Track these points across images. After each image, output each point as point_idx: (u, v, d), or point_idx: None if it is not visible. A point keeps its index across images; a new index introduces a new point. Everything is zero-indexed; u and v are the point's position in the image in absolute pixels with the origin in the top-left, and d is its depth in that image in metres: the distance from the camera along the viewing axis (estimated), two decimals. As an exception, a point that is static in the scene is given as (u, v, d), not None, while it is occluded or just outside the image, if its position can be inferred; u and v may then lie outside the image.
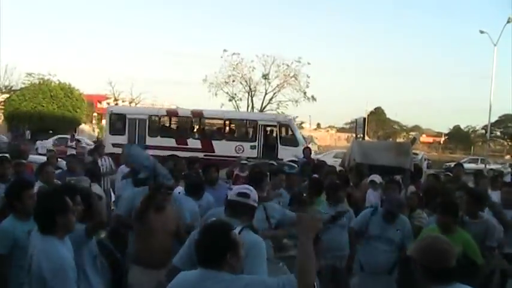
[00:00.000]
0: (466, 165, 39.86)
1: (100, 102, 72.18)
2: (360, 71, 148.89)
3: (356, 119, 24.22)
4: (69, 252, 4.51)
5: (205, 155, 26.05)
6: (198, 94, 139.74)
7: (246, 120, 32.68)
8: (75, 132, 48.59)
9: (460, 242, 6.17)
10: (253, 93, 58.56)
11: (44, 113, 50.11)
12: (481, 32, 43.23)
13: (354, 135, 24.76)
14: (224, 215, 4.76)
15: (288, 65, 57.01)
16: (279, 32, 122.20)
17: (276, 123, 30.18)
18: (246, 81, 57.96)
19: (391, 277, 7.55)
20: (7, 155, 9.83)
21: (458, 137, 78.79)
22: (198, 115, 32.07)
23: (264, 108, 56.85)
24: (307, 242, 3.46)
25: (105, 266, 5.76)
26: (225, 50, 56.84)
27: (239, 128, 33.01)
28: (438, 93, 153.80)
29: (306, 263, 3.42)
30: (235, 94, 58.07)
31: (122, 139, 29.77)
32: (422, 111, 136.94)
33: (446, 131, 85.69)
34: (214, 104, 64.45)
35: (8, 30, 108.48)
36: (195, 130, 32.28)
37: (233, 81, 57.65)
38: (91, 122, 66.54)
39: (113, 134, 31.05)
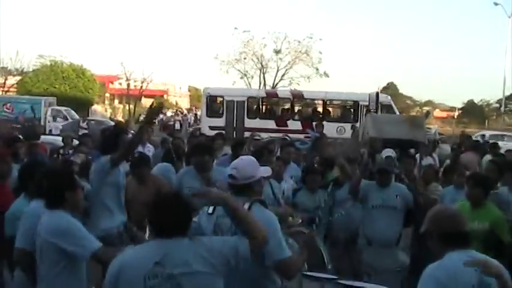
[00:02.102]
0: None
1: (112, 83, 72.18)
2: (373, 47, 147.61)
3: (369, 94, 23.94)
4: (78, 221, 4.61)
5: (305, 137, 25.35)
6: (209, 72, 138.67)
7: (347, 100, 31.76)
8: (88, 113, 49.03)
9: (488, 218, 6.10)
10: (265, 70, 58.36)
11: (56, 94, 50.04)
12: (495, 4, 42.80)
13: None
14: None
15: (299, 41, 56.74)
16: (290, 8, 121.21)
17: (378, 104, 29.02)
18: (257, 58, 57.73)
19: (399, 248, 7.53)
20: (20, 136, 9.85)
21: (472, 112, 78.23)
22: (298, 96, 31.84)
23: (276, 85, 56.66)
24: (234, 213, 3.65)
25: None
26: (235, 28, 56.61)
27: (340, 109, 32.45)
28: (452, 67, 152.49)
29: (246, 227, 3.60)
30: (247, 71, 57.96)
31: (220, 121, 29.77)
32: (435, 86, 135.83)
33: (460, 106, 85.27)
34: (226, 81, 64.17)
35: (16, 12, 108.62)
36: (295, 111, 31.84)
37: (244, 58, 57.45)
38: (103, 102, 66.52)
39: (210, 117, 30.82)
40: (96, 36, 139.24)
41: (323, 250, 6.37)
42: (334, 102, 32.46)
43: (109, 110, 62.90)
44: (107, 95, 69.90)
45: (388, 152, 10.22)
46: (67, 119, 37.84)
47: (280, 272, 4.15)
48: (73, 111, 41.06)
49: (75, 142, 12.96)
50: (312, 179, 8.38)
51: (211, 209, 4.36)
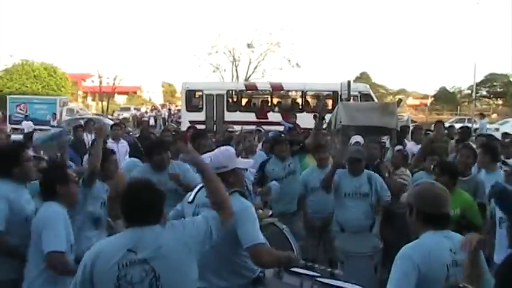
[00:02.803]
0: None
1: (84, 81, 71.71)
2: (344, 37, 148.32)
3: (341, 83, 24.04)
4: (66, 215, 4.75)
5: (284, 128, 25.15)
6: (182, 67, 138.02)
7: (326, 91, 31.21)
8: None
9: (459, 203, 6.17)
10: (237, 63, 58.38)
11: (28, 93, 49.63)
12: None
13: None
14: None
15: (270, 33, 56.81)
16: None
17: (356, 93, 28.16)
18: (229, 51, 57.73)
19: (372, 233, 7.63)
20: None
21: (445, 98, 78.61)
22: (277, 88, 31.63)
23: (249, 77, 56.70)
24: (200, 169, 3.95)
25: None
26: (206, 21, 56.49)
27: (319, 99, 31.50)
28: (424, 55, 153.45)
29: (214, 193, 3.84)
30: (219, 65, 57.92)
31: (200, 116, 29.57)
32: (408, 75, 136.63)
33: (433, 93, 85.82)
34: (198, 76, 64.14)
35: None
36: (275, 103, 31.70)
37: (216, 51, 57.41)
38: (76, 100, 66.08)
39: (189, 111, 30.62)
40: (66, 35, 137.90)
41: (293, 243, 6.44)
42: (313, 92, 32.32)
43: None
44: (80, 92, 69.49)
45: (357, 138, 10.32)
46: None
47: (253, 257, 4.20)
48: (87, 109, 40.92)
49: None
50: (280, 148, 8.65)
51: (191, 197, 4.52)
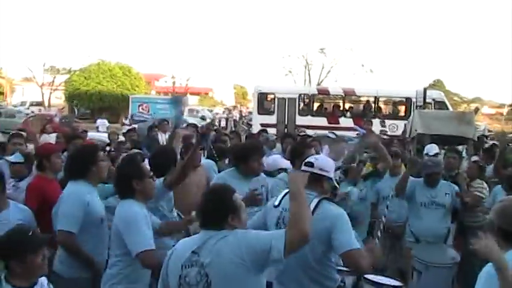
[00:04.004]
0: (531, 136, 38.69)
1: (157, 80, 72.91)
2: (418, 43, 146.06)
3: (416, 90, 23.60)
4: (146, 212, 4.75)
5: (357, 134, 24.96)
6: (254, 68, 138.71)
7: (399, 97, 31.04)
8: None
9: None
10: (310, 67, 58.32)
11: (103, 92, 50.77)
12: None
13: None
14: None
15: (344, 38, 56.65)
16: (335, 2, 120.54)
17: (430, 100, 27.44)
18: (302, 56, 57.75)
19: (448, 245, 7.46)
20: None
21: (523, 108, 76.75)
22: (349, 93, 31.36)
23: (322, 81, 56.58)
24: (298, 193, 3.62)
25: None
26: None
27: (392, 106, 31.86)
28: (500, 63, 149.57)
29: (300, 211, 3.52)
30: (292, 68, 58.05)
31: (271, 119, 29.71)
32: (483, 83, 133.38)
33: (509, 102, 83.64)
34: (271, 78, 64.42)
35: (65, 13, 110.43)
36: (347, 108, 31.45)
37: (289, 55, 57.54)
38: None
39: (261, 114, 30.66)
40: (140, 36, 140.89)
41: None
42: (386, 98, 31.82)
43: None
44: (153, 92, 70.66)
45: (435, 149, 10.09)
46: (204, 118, 38.44)
47: (348, 263, 4.17)
48: (207, 110, 41.75)
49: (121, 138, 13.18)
50: (353, 172, 8.48)
51: (277, 201, 4.54)
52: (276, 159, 7.22)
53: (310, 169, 4.50)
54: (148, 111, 40.13)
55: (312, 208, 4.15)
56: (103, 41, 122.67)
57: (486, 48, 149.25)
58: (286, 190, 4.54)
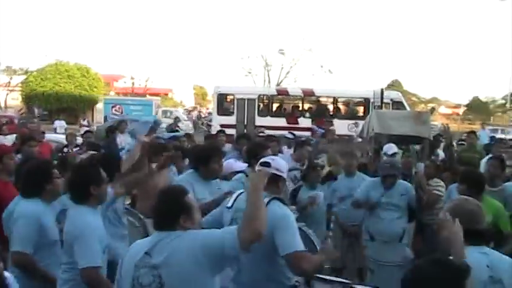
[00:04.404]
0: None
1: (117, 81, 72.34)
2: (377, 44, 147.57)
3: (374, 91, 23.87)
4: (99, 221, 4.66)
5: (316, 134, 24.87)
6: (214, 69, 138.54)
7: (358, 97, 31.41)
8: (93, 110, 49.39)
9: (489, 211, 6.04)
10: (269, 67, 58.51)
11: (61, 93, 50.15)
12: (502, -2, 42.80)
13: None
14: None
15: (303, 39, 56.99)
16: (292, 4, 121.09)
17: (388, 101, 28.01)
18: (261, 56, 57.90)
19: (402, 244, 7.56)
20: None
21: (478, 108, 78.05)
22: (308, 94, 31.50)
23: (281, 82, 56.80)
24: (256, 193, 3.60)
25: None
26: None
27: (351, 106, 32.08)
28: (457, 64, 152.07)
29: (254, 211, 3.52)
30: (251, 69, 58.17)
31: (231, 120, 29.68)
32: (440, 83, 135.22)
33: (465, 102, 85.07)
34: (230, 79, 64.43)
35: (20, 13, 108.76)
36: (306, 109, 31.62)
37: (248, 56, 57.64)
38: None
39: (221, 115, 30.68)
40: (99, 36, 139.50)
41: (319, 247, 6.41)
42: (345, 99, 32.07)
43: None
44: (112, 93, 70.07)
45: (391, 148, 10.22)
46: (178, 120, 38.10)
47: (291, 265, 4.16)
48: (180, 110, 41.43)
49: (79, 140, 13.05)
50: (314, 175, 8.45)
51: (230, 203, 4.54)
52: (229, 162, 7.22)
53: (266, 169, 4.49)
54: (122, 113, 39.81)
55: None
56: (60, 41, 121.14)
57: (444, 49, 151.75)
58: (239, 191, 4.64)
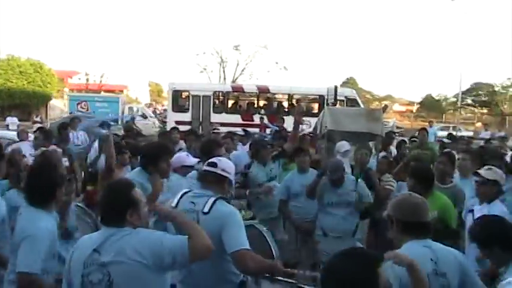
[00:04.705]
0: (438, 133, 40.07)
1: (71, 78, 71.33)
2: (332, 41, 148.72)
3: (328, 88, 24.06)
4: (54, 227, 4.54)
5: (270, 131, 24.75)
6: (170, 66, 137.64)
7: (313, 94, 31.60)
8: (47, 108, 48.60)
9: (437, 206, 6.16)
10: (224, 64, 58.47)
11: (13, 89, 49.31)
12: (452, -1, 43.53)
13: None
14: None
15: (259, 36, 57.15)
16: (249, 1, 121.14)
17: (343, 98, 28.40)
18: (217, 52, 57.82)
19: (355, 239, 7.66)
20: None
21: (430, 106, 79.14)
22: (264, 90, 31.59)
23: (236, 79, 56.84)
24: (186, 225, 3.65)
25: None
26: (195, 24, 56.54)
27: (306, 103, 31.88)
28: (410, 62, 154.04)
29: (196, 231, 3.56)
30: (207, 66, 58.06)
31: (186, 116, 29.58)
32: (394, 81, 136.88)
33: (419, 100, 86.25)
34: (185, 76, 64.20)
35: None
36: (261, 106, 31.64)
37: (204, 52, 57.52)
38: (62, 97, 65.73)
39: (176, 111, 30.55)
40: (53, 31, 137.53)
41: (272, 245, 6.46)
42: (300, 96, 32.20)
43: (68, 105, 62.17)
44: (66, 89, 69.09)
45: (345, 145, 10.33)
46: (145, 116, 37.49)
47: (237, 262, 4.19)
48: (147, 108, 41.05)
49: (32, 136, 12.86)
50: (262, 153, 8.74)
51: (174, 202, 4.51)
52: (180, 156, 7.16)
53: (213, 169, 4.58)
54: (88, 110, 39.30)
55: (207, 208, 4.26)
56: (12, 36, 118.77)
57: (398, 48, 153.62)
58: (184, 190, 4.65)
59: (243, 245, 4.14)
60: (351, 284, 2.53)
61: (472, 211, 5.92)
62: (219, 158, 4.89)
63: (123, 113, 37.45)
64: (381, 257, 2.75)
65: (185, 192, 4.59)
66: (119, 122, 29.55)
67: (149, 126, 34.06)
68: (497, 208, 5.67)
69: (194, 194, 4.53)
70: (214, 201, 4.31)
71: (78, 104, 40.79)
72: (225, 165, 4.67)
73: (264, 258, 4.45)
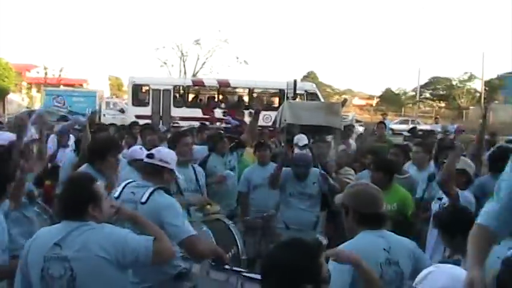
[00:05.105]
0: (397, 126, 40.66)
1: (29, 71, 70.21)
2: (293, 36, 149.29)
3: (287, 82, 24.19)
4: (3, 222, 4.39)
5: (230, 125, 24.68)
6: (130, 60, 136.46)
7: (273, 89, 31.63)
8: (4, 102, 47.71)
9: (397, 198, 6.34)
10: (185, 58, 58.24)
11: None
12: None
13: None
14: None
15: (219, 30, 57.01)
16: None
17: (303, 92, 28.52)
18: (177, 47, 57.55)
19: (316, 232, 7.74)
20: None
21: (390, 99, 79.98)
22: (224, 85, 31.50)
23: (197, 73, 56.67)
24: (148, 226, 3.72)
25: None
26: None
27: (266, 97, 32.23)
28: (370, 57, 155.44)
29: (157, 233, 3.63)
30: (167, 60, 57.77)
31: (146, 110, 29.50)
32: (354, 75, 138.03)
33: (378, 94, 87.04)
34: (146, 70, 63.72)
35: None
36: (221, 100, 31.56)
37: (164, 47, 57.22)
38: (20, 91, 64.69)
39: (136, 105, 30.42)
40: (10, 23, 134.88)
41: (238, 239, 6.50)
42: (260, 90, 32.46)
43: (26, 99, 61.17)
44: (24, 83, 67.95)
45: (302, 138, 10.43)
46: (123, 111, 36.72)
47: (188, 249, 4.30)
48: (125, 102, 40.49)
49: None
50: (220, 145, 8.78)
51: (117, 193, 4.55)
52: (134, 149, 7.11)
53: (150, 160, 4.69)
54: (64, 104, 38.59)
55: (145, 198, 4.34)
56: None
57: (358, 42, 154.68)
58: (128, 181, 4.70)
59: (189, 232, 4.24)
60: (291, 273, 2.54)
61: (440, 199, 6.03)
62: (158, 148, 5.05)
63: (100, 107, 36.93)
64: (322, 247, 2.77)
65: (128, 183, 4.64)
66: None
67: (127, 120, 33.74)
68: (466, 197, 5.78)
69: (136, 185, 4.59)
70: (152, 192, 4.39)
71: (54, 98, 40.09)
72: (163, 155, 4.74)
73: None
